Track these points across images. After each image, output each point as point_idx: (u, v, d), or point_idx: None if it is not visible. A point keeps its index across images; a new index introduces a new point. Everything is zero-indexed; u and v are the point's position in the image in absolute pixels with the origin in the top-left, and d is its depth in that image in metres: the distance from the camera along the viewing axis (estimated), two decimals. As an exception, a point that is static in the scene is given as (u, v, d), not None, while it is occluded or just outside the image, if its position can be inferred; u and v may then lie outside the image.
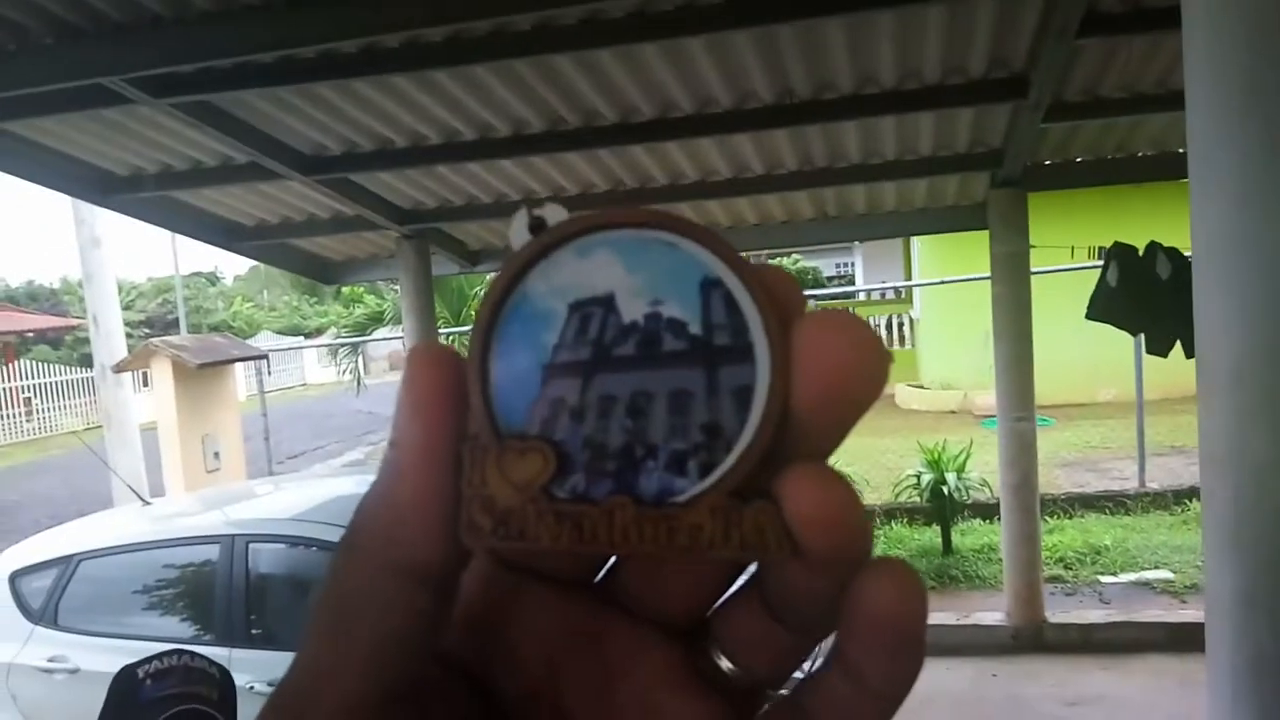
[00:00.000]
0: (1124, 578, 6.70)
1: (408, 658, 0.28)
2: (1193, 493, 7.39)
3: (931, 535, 7.57)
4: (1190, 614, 5.62)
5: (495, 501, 0.27)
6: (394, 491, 0.27)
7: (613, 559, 0.32)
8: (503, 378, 0.28)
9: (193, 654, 1.67)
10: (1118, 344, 7.52)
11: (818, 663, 0.29)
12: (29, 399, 22.00)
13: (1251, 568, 2.06)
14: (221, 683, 1.65)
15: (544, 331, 0.28)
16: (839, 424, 0.26)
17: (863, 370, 0.25)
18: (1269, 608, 2.09)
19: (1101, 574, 6.85)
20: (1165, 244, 5.30)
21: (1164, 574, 6.64)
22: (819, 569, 0.26)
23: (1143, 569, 6.79)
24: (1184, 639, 5.12)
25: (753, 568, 0.29)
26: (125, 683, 1.55)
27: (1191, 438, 2.36)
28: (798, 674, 0.31)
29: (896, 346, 16.53)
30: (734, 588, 0.31)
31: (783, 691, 0.31)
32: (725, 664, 0.30)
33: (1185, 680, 4.72)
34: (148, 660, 1.58)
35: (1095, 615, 6.05)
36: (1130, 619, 5.89)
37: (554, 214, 0.29)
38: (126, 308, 18.66)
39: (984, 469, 7.62)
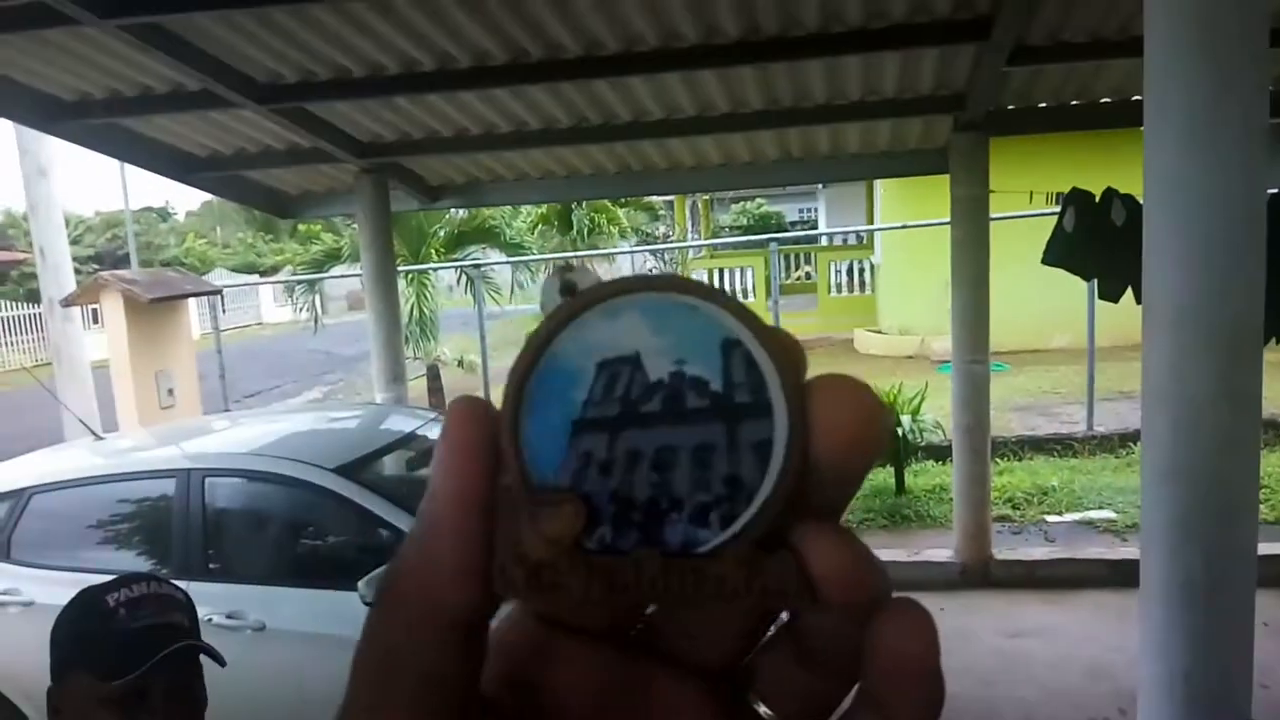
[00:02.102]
0: (1069, 517, 6.91)
1: (447, 701, 0.29)
2: (1138, 436, 7.59)
3: (885, 476, 7.72)
4: (1130, 551, 5.83)
5: (528, 555, 0.28)
6: (432, 543, 0.28)
7: (648, 611, 0.33)
8: (535, 433, 0.29)
9: (152, 578, 1.59)
10: (1071, 292, 7.66)
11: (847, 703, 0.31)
12: (-26, 335, 21.45)
13: (1186, 499, 2.14)
14: (189, 607, 1.59)
15: (574, 389, 0.29)
16: (854, 475, 0.28)
17: (872, 426, 0.27)
18: (1201, 537, 2.18)
19: (1048, 514, 7.06)
20: (1122, 191, 5.37)
21: (1107, 514, 6.86)
22: (839, 615, 0.28)
23: (1087, 509, 7.01)
24: (1124, 575, 5.31)
25: (784, 616, 0.31)
26: (96, 609, 1.43)
27: (1139, 384, 2.43)
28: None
29: (857, 292, 16.65)
30: (767, 636, 0.32)
31: None
32: (763, 710, 0.32)
33: (1123, 613, 4.91)
34: (112, 586, 1.48)
35: (1040, 552, 6.25)
36: (1073, 556, 6.09)
37: (583, 277, 0.30)
38: (74, 242, 18.14)
39: (938, 412, 7.76)
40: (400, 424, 5.18)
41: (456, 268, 12.78)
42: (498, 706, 0.32)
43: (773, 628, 0.32)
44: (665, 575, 0.29)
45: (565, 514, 0.28)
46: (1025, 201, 7.60)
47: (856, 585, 0.27)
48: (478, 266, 11.91)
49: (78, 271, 10.11)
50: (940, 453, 7.90)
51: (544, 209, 16.84)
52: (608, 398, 0.29)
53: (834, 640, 0.29)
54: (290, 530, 4.43)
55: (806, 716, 0.31)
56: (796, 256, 19.62)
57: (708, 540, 0.29)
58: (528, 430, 0.29)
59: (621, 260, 20.62)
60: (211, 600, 3.94)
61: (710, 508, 0.29)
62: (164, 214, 46.36)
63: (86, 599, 1.46)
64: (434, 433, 5.21)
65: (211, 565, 4.18)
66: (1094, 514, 6.88)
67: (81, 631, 1.43)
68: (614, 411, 0.29)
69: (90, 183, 66.51)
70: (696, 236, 21.64)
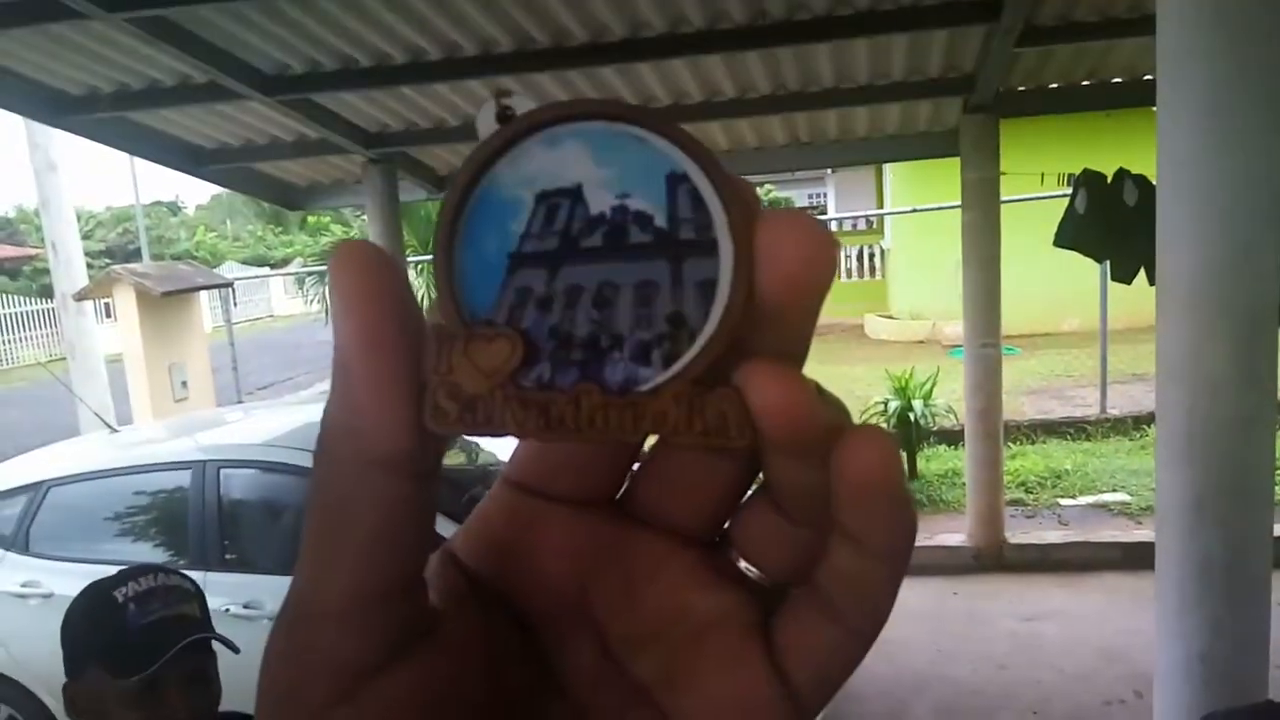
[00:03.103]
0: (1082, 500, 6.89)
1: (398, 550, 0.28)
2: (1152, 418, 7.56)
3: (897, 461, 7.70)
4: (1145, 534, 5.81)
5: (461, 388, 0.27)
6: (346, 389, 0.27)
7: (630, 478, 0.32)
8: (469, 266, 0.28)
9: (159, 568, 1.57)
10: (1083, 274, 7.61)
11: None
12: (-12, 330, 21.60)
13: (1201, 479, 2.13)
14: (199, 595, 1.58)
15: (511, 221, 0.28)
16: (802, 312, 0.27)
17: (819, 260, 0.26)
18: (1217, 517, 2.17)
19: (1061, 497, 7.04)
20: (1134, 171, 5.33)
21: (1121, 496, 6.83)
22: (795, 455, 0.27)
23: (1101, 492, 6.99)
24: (1138, 557, 5.29)
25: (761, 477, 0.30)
26: (105, 606, 1.41)
27: (1152, 366, 2.41)
28: None
29: (867, 277, 16.59)
30: (746, 496, 0.32)
31: None
32: (746, 566, 0.32)
33: (1138, 595, 4.90)
34: (119, 580, 1.46)
35: (1054, 536, 6.23)
36: (1087, 539, 6.07)
37: (522, 104, 0.28)
38: (86, 237, 18.25)
39: (950, 397, 7.74)
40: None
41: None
42: (480, 576, 0.32)
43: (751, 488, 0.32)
44: (604, 412, 0.27)
45: (500, 347, 0.27)
46: (1036, 183, 7.56)
47: (799, 419, 0.26)
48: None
49: (90, 266, 10.17)
50: (952, 437, 7.88)
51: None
52: (547, 231, 0.28)
53: (804, 485, 0.28)
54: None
55: (790, 568, 0.31)
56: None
57: (649, 379, 0.28)
58: (461, 263, 0.28)
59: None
60: (228, 591, 3.97)
61: (652, 346, 0.28)
62: (174, 208, 46.51)
63: (94, 594, 1.44)
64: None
65: (228, 556, 4.21)
66: (1108, 497, 6.86)
67: (92, 628, 1.41)
68: (553, 245, 0.28)
69: (101, 178, 66.75)
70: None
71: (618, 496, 0.33)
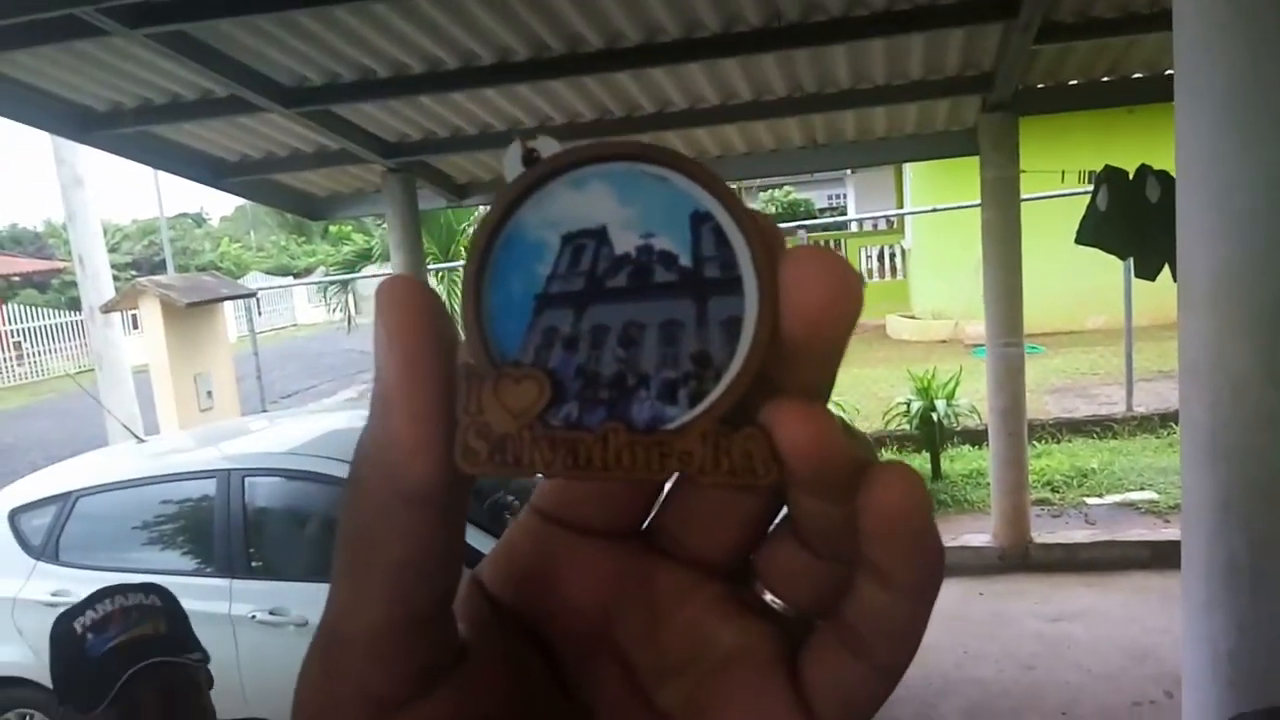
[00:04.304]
0: (1109, 499, 6.82)
1: (425, 582, 0.28)
2: (1178, 416, 7.48)
3: (920, 462, 7.66)
4: (1173, 533, 5.73)
5: (491, 428, 0.28)
6: (384, 421, 0.27)
7: (655, 509, 0.33)
8: (497, 307, 0.29)
9: (123, 589, 1.53)
10: (1107, 271, 7.54)
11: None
12: (19, 343, 21.92)
13: (1226, 476, 2.10)
14: (165, 609, 1.52)
15: (537, 262, 0.29)
16: (825, 351, 0.27)
17: (844, 297, 0.26)
18: (1243, 515, 2.14)
19: (1087, 496, 6.97)
20: (1156, 167, 5.28)
21: (1149, 495, 6.76)
22: (822, 492, 0.28)
23: (1128, 490, 6.91)
24: (1166, 556, 5.23)
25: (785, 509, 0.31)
26: (66, 640, 1.40)
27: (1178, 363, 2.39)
28: None
29: (888, 278, 16.51)
30: (771, 528, 0.32)
31: None
32: (771, 599, 0.32)
33: (1166, 595, 4.84)
34: (80, 609, 1.44)
35: (1080, 535, 6.17)
36: (1114, 538, 6.01)
37: (546, 146, 0.29)
38: (112, 250, 18.44)
39: (974, 397, 7.69)
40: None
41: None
42: (507, 605, 0.32)
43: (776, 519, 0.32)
44: (631, 451, 0.28)
45: (528, 387, 0.28)
46: (1057, 181, 7.50)
47: (826, 458, 0.26)
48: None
49: (116, 279, 10.30)
50: (976, 437, 7.83)
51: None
52: (572, 272, 0.28)
53: (830, 520, 0.28)
54: (330, 527, 4.48)
55: (815, 601, 0.31)
56: (826, 244, 19.47)
57: (675, 417, 0.28)
58: (489, 303, 0.29)
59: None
60: (254, 598, 4.01)
61: (678, 385, 0.28)
62: (199, 220, 47.04)
63: (59, 629, 1.42)
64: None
65: (253, 563, 4.25)
66: (1135, 495, 6.78)
67: (56, 662, 1.40)
68: (579, 286, 0.28)
69: (126, 192, 67.60)
70: (725, 226, 21.53)
71: (643, 528, 0.33)
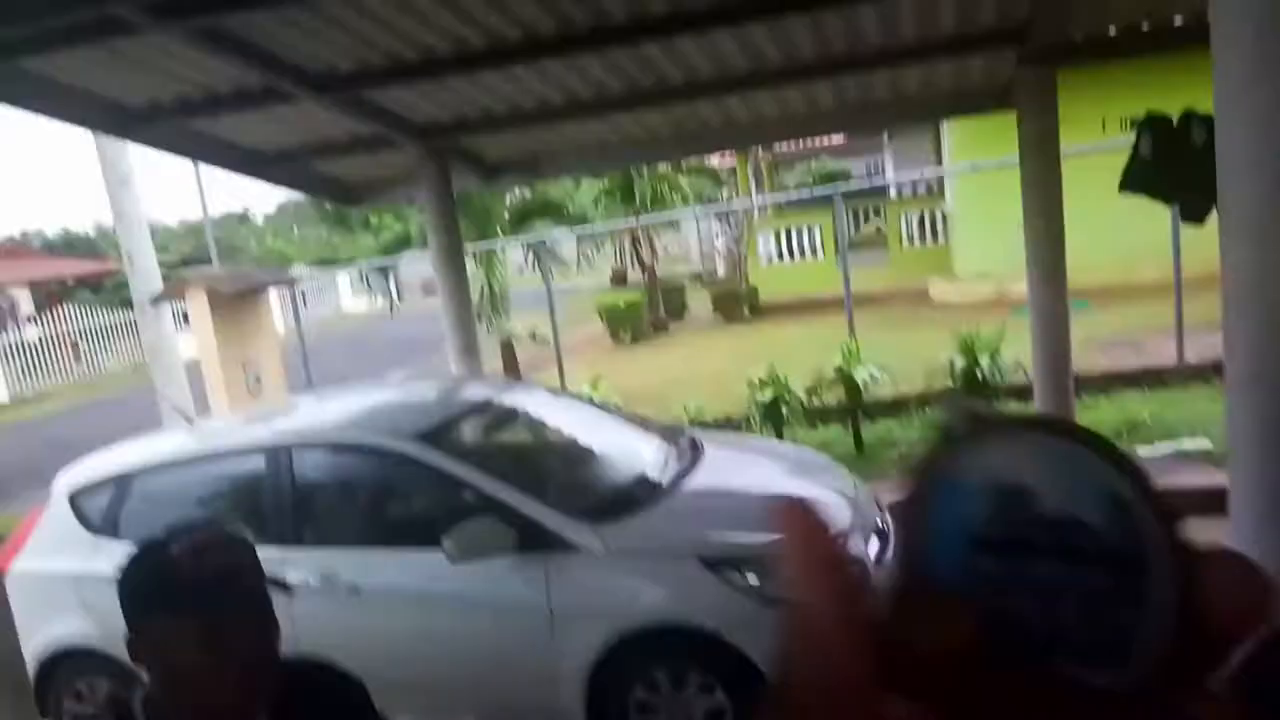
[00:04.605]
0: (1161, 448, 6.70)
1: None
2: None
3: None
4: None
5: (918, 656, 0.31)
6: (824, 659, 0.31)
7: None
8: (931, 544, 0.32)
9: (210, 525, 1.57)
10: (1154, 225, 7.35)
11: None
12: (75, 343, 22.51)
13: (1270, 402, 2.07)
14: (248, 545, 1.56)
15: (969, 509, 0.32)
16: (1238, 642, 0.30)
17: (1262, 612, 0.29)
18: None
19: (1139, 445, 6.85)
20: (1200, 112, 5.13)
21: (1201, 443, 6.62)
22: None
23: (1181, 438, 6.78)
24: (1220, 503, 5.13)
25: None
26: (159, 560, 1.44)
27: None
28: None
29: (929, 243, 16.28)
30: None
31: None
32: None
33: (1220, 541, 4.76)
34: (172, 537, 1.47)
35: (1132, 487, 6.07)
36: (1167, 486, 5.90)
37: (978, 407, 0.34)
38: (161, 250, 18.84)
39: (1022, 355, 7.57)
40: (475, 393, 5.33)
41: (523, 244, 12.96)
42: None
43: None
44: (1049, 706, 0.31)
45: (964, 626, 0.31)
46: (1098, 131, 7.33)
47: None
48: (543, 242, 12.04)
49: (165, 278, 10.51)
50: (1023, 393, 7.71)
51: (606, 181, 16.82)
52: (1000, 524, 0.32)
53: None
54: (376, 496, 4.59)
55: None
56: (866, 211, 19.19)
57: (1093, 680, 0.31)
58: (925, 540, 0.32)
59: (686, 225, 20.46)
60: (305, 565, 4.12)
61: (1089, 651, 0.31)
62: (243, 218, 47.82)
63: (150, 550, 1.49)
64: (507, 399, 5.35)
65: (304, 532, 4.36)
66: (1188, 444, 6.65)
67: (151, 579, 1.47)
68: (1006, 538, 0.32)
69: (172, 193, 68.87)
70: (762, 199, 21.37)
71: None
